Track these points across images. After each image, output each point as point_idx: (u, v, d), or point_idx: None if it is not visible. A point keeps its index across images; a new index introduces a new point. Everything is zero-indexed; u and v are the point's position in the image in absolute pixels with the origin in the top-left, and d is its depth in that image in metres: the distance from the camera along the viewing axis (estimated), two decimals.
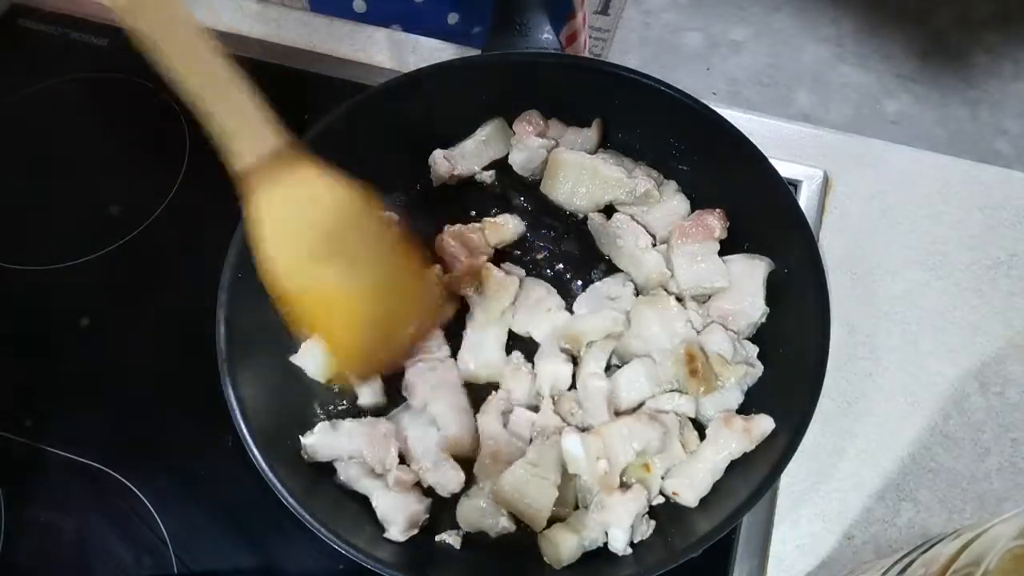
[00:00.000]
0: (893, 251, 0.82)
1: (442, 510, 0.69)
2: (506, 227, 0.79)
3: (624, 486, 0.67)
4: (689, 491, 0.66)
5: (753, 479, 0.63)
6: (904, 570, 0.52)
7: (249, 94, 0.54)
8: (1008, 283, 0.80)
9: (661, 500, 0.68)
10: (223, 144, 0.54)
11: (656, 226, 0.79)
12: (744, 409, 0.70)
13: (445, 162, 0.82)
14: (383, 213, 0.58)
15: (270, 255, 0.56)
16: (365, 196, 0.58)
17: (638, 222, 0.78)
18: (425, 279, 0.61)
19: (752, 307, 0.73)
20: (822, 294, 0.68)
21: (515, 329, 0.75)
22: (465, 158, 0.83)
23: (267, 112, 0.54)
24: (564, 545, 0.64)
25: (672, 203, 0.79)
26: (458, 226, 0.79)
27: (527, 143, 0.81)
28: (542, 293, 0.76)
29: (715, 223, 0.76)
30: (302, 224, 0.56)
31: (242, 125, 0.54)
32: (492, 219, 0.80)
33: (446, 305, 0.71)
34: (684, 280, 0.75)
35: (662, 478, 0.68)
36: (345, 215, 0.57)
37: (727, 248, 0.77)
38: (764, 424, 0.67)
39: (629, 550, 0.65)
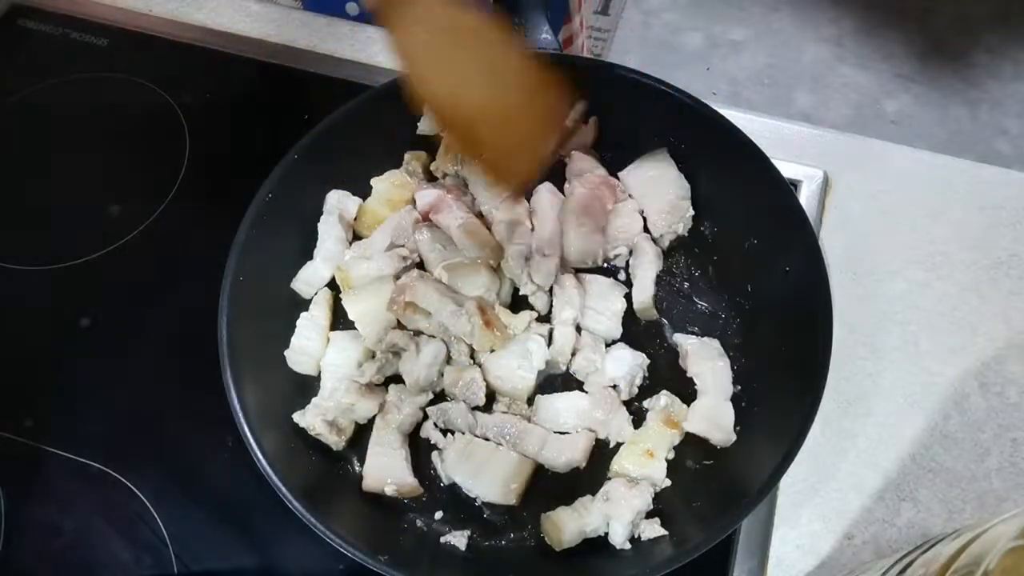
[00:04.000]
0: (893, 251, 0.82)
1: (448, 510, 0.69)
2: None
3: (631, 482, 0.67)
4: (717, 432, 0.69)
5: (753, 481, 0.63)
6: (904, 570, 0.52)
7: None
8: (1008, 283, 0.80)
9: (668, 484, 0.69)
10: None
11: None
12: (743, 408, 0.71)
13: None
14: (502, 31, 0.63)
15: (416, 77, 0.62)
16: (481, 17, 0.63)
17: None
18: (549, 86, 0.64)
19: (678, 194, 0.78)
20: (823, 294, 0.68)
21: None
22: None
23: None
24: (566, 527, 0.65)
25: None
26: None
27: None
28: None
29: (607, 194, 0.78)
30: (434, 45, 0.61)
31: None
32: None
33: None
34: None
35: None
36: (466, 34, 0.62)
37: (728, 244, 0.78)
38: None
39: (628, 545, 0.65)
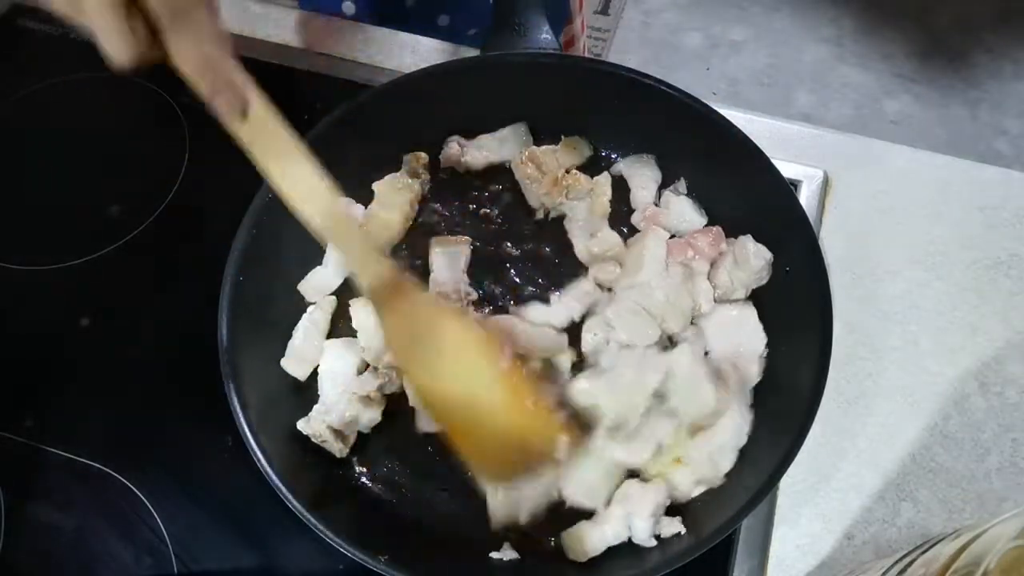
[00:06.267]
0: (893, 251, 0.82)
1: (445, 510, 0.69)
2: (580, 150, 0.84)
3: (643, 481, 0.67)
4: (712, 472, 0.67)
5: (754, 481, 0.63)
6: (904, 570, 0.52)
7: (362, 234, 0.65)
8: (1008, 283, 0.80)
9: (699, 491, 0.68)
10: (351, 271, 0.65)
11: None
12: None
13: (457, 147, 0.82)
14: (491, 340, 0.63)
15: (401, 363, 0.66)
16: (468, 322, 0.65)
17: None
18: (537, 406, 0.62)
19: (755, 348, 0.72)
20: (823, 294, 0.68)
21: None
22: (478, 149, 0.83)
23: (375, 245, 0.63)
24: (588, 539, 0.64)
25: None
26: (533, 148, 0.82)
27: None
28: None
29: (703, 243, 0.75)
30: (417, 341, 0.62)
31: (359, 257, 0.61)
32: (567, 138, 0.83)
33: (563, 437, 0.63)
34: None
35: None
36: (454, 339, 0.62)
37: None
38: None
39: (653, 541, 0.65)
